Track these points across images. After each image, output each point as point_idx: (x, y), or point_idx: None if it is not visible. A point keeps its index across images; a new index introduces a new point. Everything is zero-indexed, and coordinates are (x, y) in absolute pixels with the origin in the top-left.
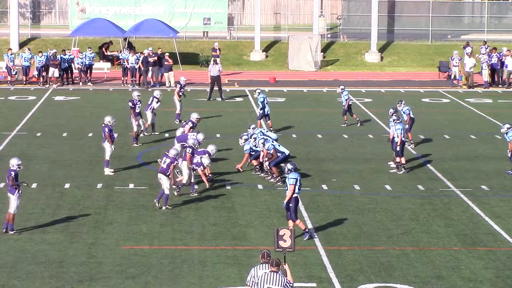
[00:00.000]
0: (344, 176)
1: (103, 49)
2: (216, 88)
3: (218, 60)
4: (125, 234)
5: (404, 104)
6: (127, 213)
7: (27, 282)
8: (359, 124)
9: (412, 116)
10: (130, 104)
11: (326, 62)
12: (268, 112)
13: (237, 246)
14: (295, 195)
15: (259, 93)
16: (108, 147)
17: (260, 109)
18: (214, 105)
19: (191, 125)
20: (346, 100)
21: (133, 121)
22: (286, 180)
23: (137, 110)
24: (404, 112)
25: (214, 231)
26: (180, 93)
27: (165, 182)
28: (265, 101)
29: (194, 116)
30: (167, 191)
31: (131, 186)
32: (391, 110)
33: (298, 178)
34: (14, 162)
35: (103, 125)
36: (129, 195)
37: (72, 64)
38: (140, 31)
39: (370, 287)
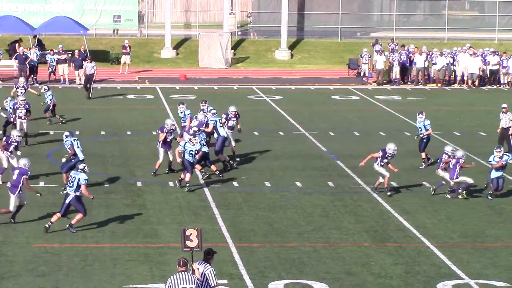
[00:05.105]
0: (255, 174)
1: (16, 45)
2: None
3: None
4: (35, 232)
5: (185, 107)
6: (37, 211)
7: None
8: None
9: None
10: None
11: (236, 59)
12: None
13: (148, 244)
14: None
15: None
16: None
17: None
18: (122, 102)
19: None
20: (50, 100)
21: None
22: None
23: (168, 139)
24: (185, 115)
25: (126, 229)
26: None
27: None
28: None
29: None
30: None
31: (42, 184)
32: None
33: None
34: (25, 161)
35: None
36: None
37: None
38: (50, 28)
39: (281, 284)
